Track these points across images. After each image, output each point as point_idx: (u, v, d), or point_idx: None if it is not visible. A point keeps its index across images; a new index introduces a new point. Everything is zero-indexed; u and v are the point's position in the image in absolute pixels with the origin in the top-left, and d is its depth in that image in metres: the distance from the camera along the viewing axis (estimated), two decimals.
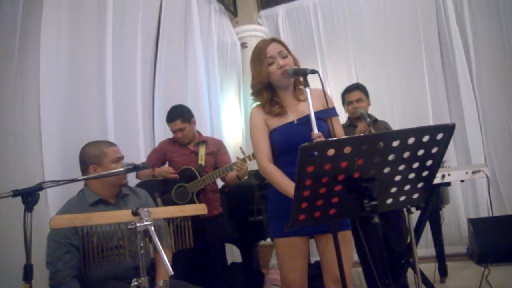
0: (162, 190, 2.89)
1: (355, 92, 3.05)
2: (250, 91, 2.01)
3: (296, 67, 1.86)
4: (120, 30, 3.18)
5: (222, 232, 2.96)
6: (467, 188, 4.34)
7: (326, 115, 1.86)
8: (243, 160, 2.62)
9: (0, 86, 2.25)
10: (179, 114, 2.90)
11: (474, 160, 4.27)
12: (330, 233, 1.72)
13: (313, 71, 1.74)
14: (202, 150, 2.93)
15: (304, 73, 1.75)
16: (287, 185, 1.75)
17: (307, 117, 1.77)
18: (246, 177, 2.71)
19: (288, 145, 1.83)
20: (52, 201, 2.34)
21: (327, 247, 1.83)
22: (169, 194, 2.86)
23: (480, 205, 4.24)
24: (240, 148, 2.75)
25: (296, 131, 1.85)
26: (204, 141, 2.99)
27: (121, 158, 2.07)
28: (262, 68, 1.88)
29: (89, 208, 1.95)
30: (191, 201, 2.78)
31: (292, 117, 1.90)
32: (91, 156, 2.02)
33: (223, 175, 2.77)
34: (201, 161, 2.89)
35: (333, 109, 1.94)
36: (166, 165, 3.02)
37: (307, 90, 1.72)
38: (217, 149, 3.02)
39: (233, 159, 3.18)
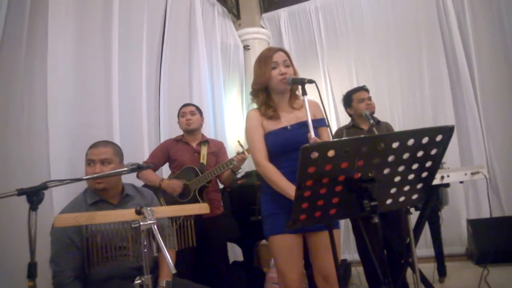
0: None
1: (364, 92, 3.09)
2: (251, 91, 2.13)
3: (294, 77, 1.96)
4: (126, 33, 3.22)
5: (224, 231, 3.00)
6: (469, 189, 4.35)
7: (316, 124, 1.97)
8: (242, 153, 2.69)
9: (7, 87, 2.28)
10: (195, 105, 3.15)
11: (476, 162, 4.28)
12: (321, 231, 1.86)
13: (311, 81, 1.85)
14: (204, 150, 2.99)
15: (302, 82, 1.85)
16: (285, 185, 1.84)
17: (301, 124, 1.94)
18: (240, 170, 2.81)
19: (282, 147, 1.93)
20: (57, 200, 2.35)
21: (319, 244, 1.92)
22: (171, 193, 2.89)
23: (482, 206, 4.24)
24: (238, 141, 2.84)
25: (290, 135, 1.95)
26: (206, 141, 3.07)
27: (91, 160, 1.97)
28: (265, 70, 1.99)
29: (89, 208, 1.93)
30: (194, 199, 2.82)
31: (285, 122, 2.00)
32: None
33: (223, 171, 2.80)
34: (203, 160, 2.94)
35: (322, 120, 2.05)
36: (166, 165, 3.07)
37: (305, 98, 1.82)
38: (218, 149, 3.10)
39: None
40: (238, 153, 2.70)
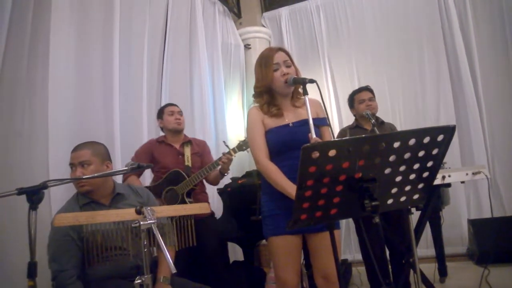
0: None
1: (366, 92, 3.10)
2: (253, 92, 2.11)
3: (296, 76, 1.95)
4: (127, 34, 3.23)
5: (213, 233, 2.91)
6: (470, 189, 4.35)
7: (318, 122, 1.97)
8: (228, 153, 2.68)
9: (9, 88, 2.29)
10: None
11: (477, 161, 4.27)
12: (322, 232, 1.86)
13: (312, 81, 1.85)
14: (187, 151, 2.94)
15: (303, 82, 1.86)
16: (286, 184, 1.83)
17: (302, 122, 1.92)
18: (229, 171, 2.80)
19: (283, 144, 1.92)
20: (56, 200, 2.34)
21: (319, 245, 1.91)
22: (160, 199, 2.86)
23: (483, 206, 4.24)
24: (224, 142, 2.83)
25: (292, 132, 1.95)
26: (189, 141, 3.02)
27: (72, 164, 1.97)
28: (267, 72, 1.97)
29: (79, 209, 1.91)
30: (182, 203, 2.77)
31: (288, 120, 1.99)
32: None
33: (210, 173, 2.78)
34: (188, 162, 2.90)
35: (325, 119, 2.04)
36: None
37: (306, 97, 1.83)
38: (201, 149, 3.06)
39: None
40: (224, 154, 2.68)
